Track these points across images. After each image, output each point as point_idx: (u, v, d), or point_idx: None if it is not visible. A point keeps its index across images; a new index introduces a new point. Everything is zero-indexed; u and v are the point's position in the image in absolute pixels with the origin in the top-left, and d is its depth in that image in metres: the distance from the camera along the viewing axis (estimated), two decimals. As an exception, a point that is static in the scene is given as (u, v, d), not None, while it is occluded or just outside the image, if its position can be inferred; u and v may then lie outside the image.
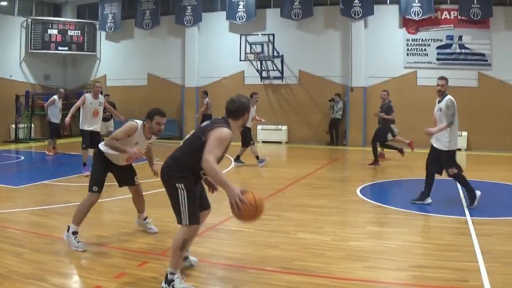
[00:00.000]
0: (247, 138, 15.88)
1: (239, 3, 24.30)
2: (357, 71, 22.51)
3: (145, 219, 8.24)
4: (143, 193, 8.19)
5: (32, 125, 26.11)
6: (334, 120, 22.75)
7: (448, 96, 9.95)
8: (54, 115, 18.55)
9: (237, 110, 5.93)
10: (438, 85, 10.19)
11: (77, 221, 7.41)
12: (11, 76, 26.35)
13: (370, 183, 12.83)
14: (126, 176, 7.96)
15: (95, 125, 14.19)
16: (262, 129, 23.99)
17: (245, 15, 24.18)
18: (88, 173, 13.63)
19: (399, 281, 5.96)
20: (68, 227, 7.34)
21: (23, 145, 24.04)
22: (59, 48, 27.96)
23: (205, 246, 7.36)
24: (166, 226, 8.36)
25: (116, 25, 27.86)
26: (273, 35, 22.76)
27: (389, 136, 16.19)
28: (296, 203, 10.46)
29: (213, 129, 5.65)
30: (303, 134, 23.26)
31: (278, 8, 23.93)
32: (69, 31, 28.08)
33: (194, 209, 5.77)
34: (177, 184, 5.71)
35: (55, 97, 18.76)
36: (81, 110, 14.12)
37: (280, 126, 23.66)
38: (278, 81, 23.85)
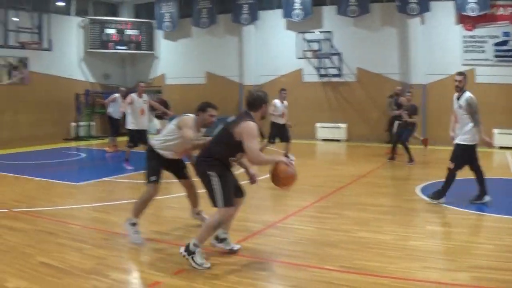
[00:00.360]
0: (284, 134, 16.24)
1: (295, 0, 24.28)
2: (415, 69, 22.13)
3: (198, 213, 8.41)
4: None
5: (93, 123, 26.65)
6: (394, 118, 22.52)
7: (467, 93, 9.82)
8: (116, 112, 18.88)
9: (254, 102, 6.63)
10: (456, 80, 10.07)
11: (136, 213, 7.64)
12: (70, 75, 26.88)
13: (430, 182, 12.62)
14: (179, 170, 8.15)
15: (142, 123, 15.10)
16: (321, 127, 23.99)
17: (301, 12, 24.14)
18: (131, 167, 14.51)
19: (459, 282, 5.87)
20: (128, 219, 7.54)
21: (83, 142, 24.52)
22: (117, 47, 28.37)
23: (266, 244, 7.43)
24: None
25: (174, 24, 28.16)
26: (331, 32, 22.70)
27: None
28: (356, 201, 10.42)
29: (239, 123, 6.43)
30: (362, 132, 23.14)
31: (334, 5, 23.72)
32: (127, 30, 28.47)
33: (228, 192, 6.45)
34: (208, 172, 6.48)
35: (117, 95, 19.12)
36: (128, 110, 14.97)
37: (338, 124, 23.61)
38: (336, 79, 23.68)
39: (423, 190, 11.38)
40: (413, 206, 10.06)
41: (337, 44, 23.01)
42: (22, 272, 6.27)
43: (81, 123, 26.27)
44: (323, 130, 23.96)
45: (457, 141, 9.87)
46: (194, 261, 6.35)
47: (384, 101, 21.61)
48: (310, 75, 24.36)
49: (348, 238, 7.60)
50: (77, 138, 25.73)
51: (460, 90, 9.99)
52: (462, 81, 9.96)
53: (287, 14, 24.52)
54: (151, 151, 7.80)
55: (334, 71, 23.64)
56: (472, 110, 9.63)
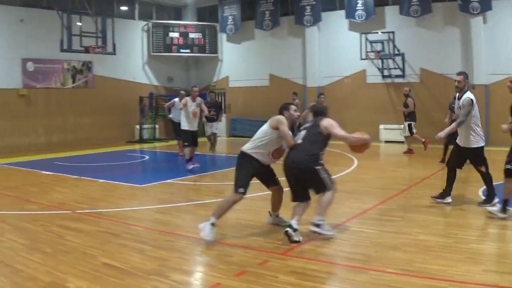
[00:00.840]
0: None
1: (358, 1, 24.21)
2: (478, 68, 21.71)
3: (278, 216, 8.79)
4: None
5: (156, 126, 27.13)
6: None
7: (467, 94, 9.82)
8: (176, 116, 19.18)
9: (323, 110, 8.84)
10: (455, 80, 10.16)
11: (218, 216, 7.99)
12: (134, 78, 27.45)
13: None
14: (270, 176, 8.56)
15: (195, 126, 16.19)
16: (384, 128, 23.90)
17: (364, 13, 24.09)
18: (192, 166, 15.62)
19: (519, 285, 5.82)
20: (209, 218, 7.87)
21: (147, 145, 25.02)
22: (181, 50, 28.89)
23: (327, 246, 7.50)
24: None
25: (237, 26, 28.47)
26: (393, 32, 22.61)
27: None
28: (419, 204, 10.41)
29: (319, 123, 8.29)
30: (426, 133, 22.87)
31: (396, 5, 23.60)
32: (190, 33, 28.98)
33: (330, 177, 8.08)
34: (315, 167, 7.89)
35: (176, 99, 19.37)
36: (182, 111, 15.93)
37: (402, 126, 23.42)
38: (400, 80, 23.50)
39: (484, 192, 11.25)
40: (475, 209, 9.94)
41: (399, 44, 22.87)
42: (83, 273, 6.46)
43: (145, 126, 26.79)
44: (386, 131, 23.88)
45: (472, 145, 9.94)
46: (324, 230, 7.82)
47: (448, 102, 21.49)
48: (373, 76, 24.32)
49: (409, 241, 7.62)
50: (141, 140, 26.25)
51: (461, 90, 10.10)
52: (461, 81, 10.05)
53: (350, 15, 24.52)
54: (243, 157, 8.23)
55: (397, 72, 23.51)
56: (464, 110, 9.73)
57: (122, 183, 13.70)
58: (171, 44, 28.59)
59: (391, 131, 23.50)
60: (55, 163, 17.31)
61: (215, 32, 29.65)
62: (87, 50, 19.60)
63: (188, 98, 16.17)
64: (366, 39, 22.66)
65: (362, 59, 23.14)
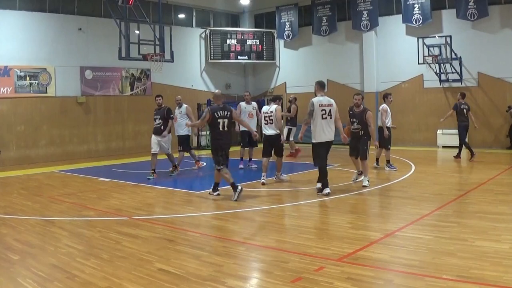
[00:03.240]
0: (384, 140, 16.74)
1: (415, 5, 24.10)
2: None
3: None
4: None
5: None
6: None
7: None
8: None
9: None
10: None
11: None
12: (192, 85, 27.83)
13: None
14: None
15: (251, 126, 16.55)
16: (442, 133, 23.68)
17: (421, 17, 23.97)
18: (255, 165, 17.61)
19: None
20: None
21: (205, 151, 25.20)
22: (239, 57, 29.15)
23: (384, 252, 7.49)
24: (346, 231, 8.73)
25: (294, 32, 28.62)
26: (450, 36, 22.39)
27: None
28: (476, 209, 10.31)
29: (366, 113, 13.54)
30: (484, 138, 22.63)
31: (453, 9, 23.43)
32: (247, 40, 29.23)
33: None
34: (368, 141, 13.84)
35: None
36: (241, 115, 17.16)
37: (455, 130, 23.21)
38: (457, 84, 23.25)
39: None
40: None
41: (456, 48, 22.60)
42: (139, 279, 6.59)
43: (202, 133, 27.05)
44: (444, 136, 23.66)
45: None
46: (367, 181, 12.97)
47: (506, 106, 21.19)
48: (431, 81, 24.14)
49: (466, 247, 7.55)
50: (199, 147, 26.49)
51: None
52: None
53: (407, 19, 24.43)
54: None
55: (454, 76, 23.26)
56: None
57: (179, 190, 13.96)
58: (228, 51, 28.90)
59: (449, 136, 23.26)
60: (113, 170, 17.67)
61: (273, 39, 29.85)
62: (145, 58, 19.84)
63: (242, 103, 18.24)
64: (423, 43, 22.48)
65: (419, 63, 22.95)
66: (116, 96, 24.47)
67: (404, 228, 8.85)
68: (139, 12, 19.65)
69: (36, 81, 22.08)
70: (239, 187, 12.05)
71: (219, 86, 28.92)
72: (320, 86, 12.93)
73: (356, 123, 13.97)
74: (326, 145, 12.39)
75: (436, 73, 23.56)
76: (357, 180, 14.05)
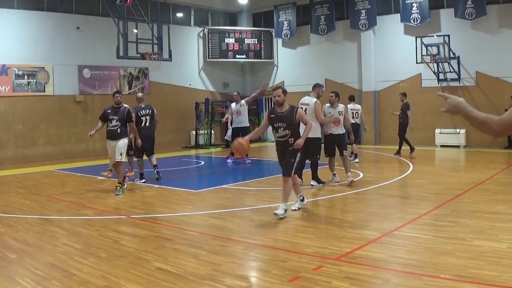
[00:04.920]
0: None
1: (413, 4, 24.11)
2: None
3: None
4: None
5: (212, 131, 27.35)
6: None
7: None
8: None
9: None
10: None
11: None
12: (190, 84, 27.89)
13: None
14: None
15: (239, 122, 19.09)
16: (440, 132, 23.75)
17: (419, 16, 23.99)
18: (231, 161, 18.76)
19: None
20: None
21: (203, 150, 25.26)
22: (237, 56, 29.18)
23: (382, 251, 7.49)
24: (344, 231, 8.74)
25: (292, 32, 28.65)
26: (448, 36, 22.40)
27: None
28: (474, 209, 10.29)
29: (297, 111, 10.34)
30: (482, 137, 22.62)
31: (451, 8, 23.44)
32: (246, 39, 29.26)
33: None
34: None
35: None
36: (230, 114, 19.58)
37: (458, 130, 23.24)
38: (455, 83, 23.26)
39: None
40: (532, 214, 9.74)
41: (454, 47, 22.61)
42: (137, 277, 6.58)
43: (201, 131, 27.07)
44: (441, 136, 23.71)
45: None
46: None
47: (504, 106, 21.19)
48: (429, 80, 24.15)
49: (464, 247, 7.55)
50: (197, 146, 26.50)
51: None
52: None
53: (405, 19, 24.46)
54: None
55: (452, 76, 23.27)
56: None
57: (178, 189, 13.93)
58: (226, 49, 28.90)
59: (447, 135, 23.34)
60: (112, 169, 17.66)
61: (271, 37, 29.88)
62: (143, 56, 19.87)
63: (232, 104, 19.59)
64: (422, 42, 22.49)
65: (417, 62, 22.97)
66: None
67: (402, 228, 8.84)
68: (137, 11, 19.66)
69: (34, 80, 22.09)
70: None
71: (217, 85, 29.06)
72: (312, 86, 13.45)
73: (282, 129, 10.23)
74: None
75: (434, 73, 23.57)
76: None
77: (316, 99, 12.95)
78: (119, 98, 13.81)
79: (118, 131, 13.48)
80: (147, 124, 15.24)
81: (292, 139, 10.06)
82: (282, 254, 7.53)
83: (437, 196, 11.84)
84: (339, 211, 9.09)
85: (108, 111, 13.66)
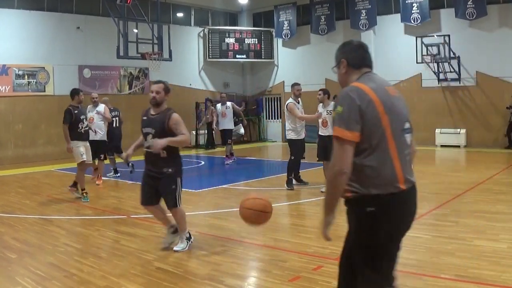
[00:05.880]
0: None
1: (413, 4, 24.08)
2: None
3: None
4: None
5: (212, 131, 27.31)
6: (512, 123, 21.91)
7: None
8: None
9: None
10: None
11: None
12: (190, 84, 27.87)
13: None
14: None
15: (224, 125, 19.56)
16: (440, 132, 23.73)
17: (419, 16, 23.96)
18: (230, 161, 18.99)
19: None
20: None
21: (203, 150, 25.25)
22: (237, 56, 29.17)
23: None
24: (345, 230, 8.72)
25: (292, 31, 28.63)
26: (449, 36, 22.38)
27: None
28: (474, 209, 10.30)
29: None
30: (483, 138, 22.62)
31: (451, 8, 23.40)
32: (246, 39, 29.24)
33: None
34: None
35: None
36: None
37: (458, 130, 23.23)
38: (455, 83, 23.22)
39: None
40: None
41: (455, 47, 22.57)
42: (138, 277, 6.59)
43: (201, 131, 27.03)
44: (442, 136, 23.68)
45: None
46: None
47: (504, 105, 21.19)
48: (429, 80, 24.12)
49: (464, 247, 7.56)
50: (197, 146, 26.49)
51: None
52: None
53: (405, 19, 24.41)
54: None
55: (453, 76, 23.22)
56: None
57: (177, 188, 13.87)
58: (227, 49, 28.89)
59: (447, 135, 23.31)
60: (111, 169, 17.62)
61: (271, 37, 29.86)
62: (143, 56, 19.88)
63: (218, 105, 20.18)
64: (422, 42, 22.46)
65: (418, 62, 22.96)
66: (114, 95, 24.37)
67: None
68: (137, 10, 19.66)
69: (34, 80, 22.09)
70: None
71: (217, 85, 29.00)
72: None
73: (151, 136, 8.07)
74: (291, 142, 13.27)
75: (434, 72, 23.53)
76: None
77: (289, 100, 13.14)
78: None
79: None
80: (117, 125, 16.76)
81: (164, 151, 7.82)
82: (282, 254, 7.54)
83: (438, 196, 11.83)
84: (339, 211, 9.05)
85: (81, 110, 13.34)
